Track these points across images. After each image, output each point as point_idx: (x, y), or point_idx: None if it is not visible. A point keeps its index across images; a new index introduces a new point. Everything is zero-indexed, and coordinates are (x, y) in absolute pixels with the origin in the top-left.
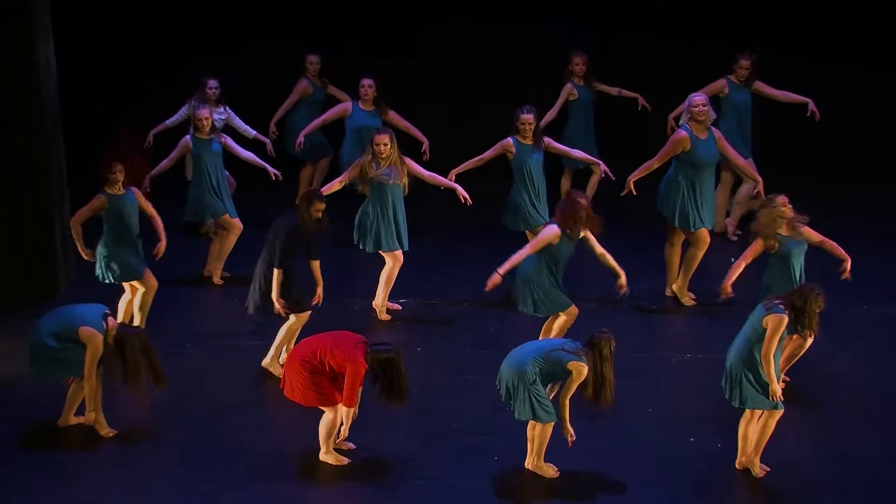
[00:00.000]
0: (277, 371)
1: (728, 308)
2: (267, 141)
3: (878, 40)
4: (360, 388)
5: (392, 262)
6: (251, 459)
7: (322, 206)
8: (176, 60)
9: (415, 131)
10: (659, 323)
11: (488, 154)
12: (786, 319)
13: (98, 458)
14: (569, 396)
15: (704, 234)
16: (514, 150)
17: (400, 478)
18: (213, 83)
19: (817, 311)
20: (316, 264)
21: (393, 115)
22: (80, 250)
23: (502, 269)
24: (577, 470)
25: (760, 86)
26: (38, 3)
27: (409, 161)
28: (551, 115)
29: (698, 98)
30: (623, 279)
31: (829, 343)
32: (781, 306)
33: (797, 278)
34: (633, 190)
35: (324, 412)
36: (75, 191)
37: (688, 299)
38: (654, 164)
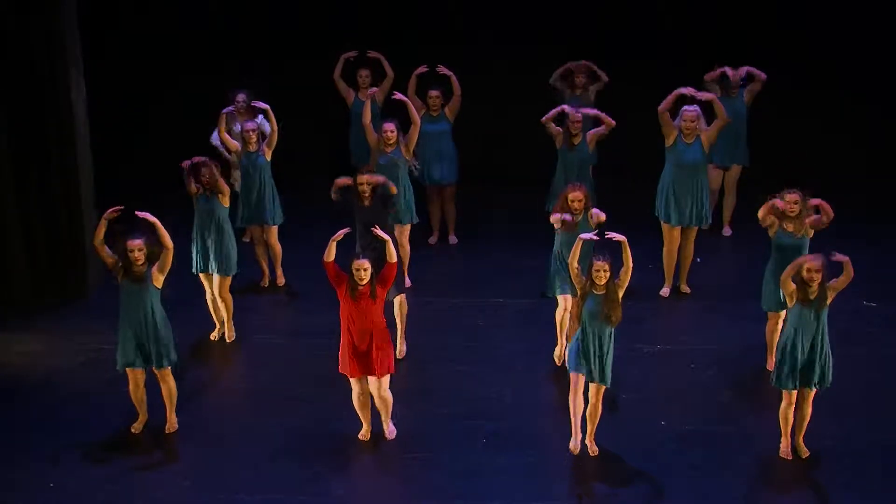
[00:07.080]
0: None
1: (699, 303)
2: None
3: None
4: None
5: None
6: (270, 437)
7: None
8: (196, 73)
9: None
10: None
11: None
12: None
13: (136, 436)
14: None
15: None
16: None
17: (399, 455)
18: (241, 97)
19: None
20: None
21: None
22: None
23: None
24: (560, 449)
25: (748, 92)
26: (69, 34)
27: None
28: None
29: (690, 112)
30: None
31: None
32: None
33: None
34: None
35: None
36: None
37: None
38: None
